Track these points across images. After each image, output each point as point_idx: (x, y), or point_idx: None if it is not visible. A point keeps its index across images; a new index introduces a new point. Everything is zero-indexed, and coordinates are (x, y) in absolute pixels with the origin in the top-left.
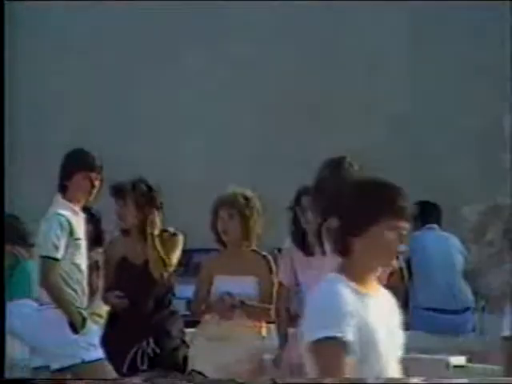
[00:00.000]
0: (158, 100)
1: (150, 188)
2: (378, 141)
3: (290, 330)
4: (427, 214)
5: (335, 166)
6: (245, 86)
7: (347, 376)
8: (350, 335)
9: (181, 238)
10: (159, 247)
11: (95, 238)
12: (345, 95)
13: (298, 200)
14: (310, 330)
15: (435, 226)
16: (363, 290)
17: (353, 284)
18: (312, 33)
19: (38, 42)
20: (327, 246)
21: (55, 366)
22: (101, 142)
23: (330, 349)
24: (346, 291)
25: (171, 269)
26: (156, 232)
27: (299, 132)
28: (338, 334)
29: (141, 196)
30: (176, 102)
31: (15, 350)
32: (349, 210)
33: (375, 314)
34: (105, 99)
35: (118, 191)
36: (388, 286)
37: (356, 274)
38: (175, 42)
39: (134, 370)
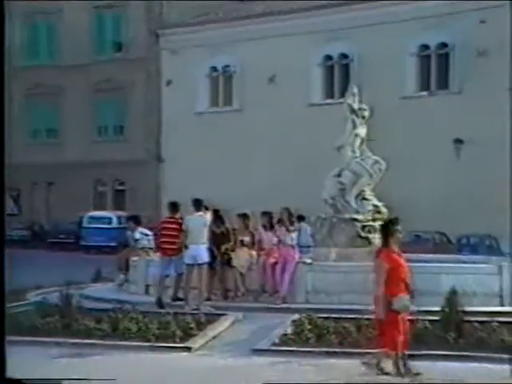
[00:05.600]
0: None
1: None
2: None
3: (261, 252)
4: (301, 219)
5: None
6: None
7: None
8: None
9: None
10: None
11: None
12: None
13: (263, 214)
14: None
15: (304, 223)
16: None
17: None
18: None
19: None
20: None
21: (194, 262)
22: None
23: None
24: None
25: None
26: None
27: None
28: None
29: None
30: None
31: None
32: None
33: None
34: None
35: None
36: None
37: None
38: None
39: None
